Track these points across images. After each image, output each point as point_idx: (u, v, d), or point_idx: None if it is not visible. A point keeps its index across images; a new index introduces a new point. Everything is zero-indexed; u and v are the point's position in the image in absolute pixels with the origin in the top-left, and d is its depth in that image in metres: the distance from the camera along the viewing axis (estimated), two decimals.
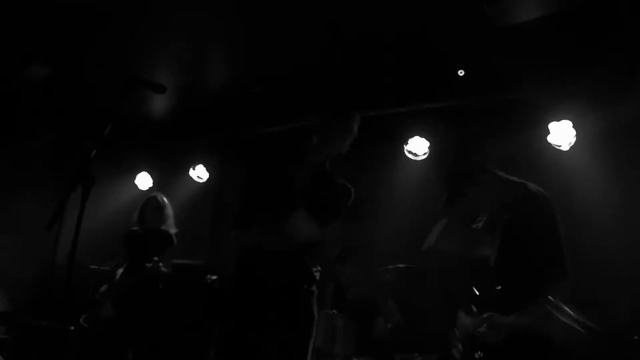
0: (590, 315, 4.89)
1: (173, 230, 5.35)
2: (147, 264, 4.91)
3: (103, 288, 5.29)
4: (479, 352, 2.93)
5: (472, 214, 3.26)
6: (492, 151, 5.57)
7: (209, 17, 4.72)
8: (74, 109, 6.46)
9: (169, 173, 7.01)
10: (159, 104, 6.43)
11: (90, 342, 5.29)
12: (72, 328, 5.59)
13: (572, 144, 5.46)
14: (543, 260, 2.90)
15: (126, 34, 5.07)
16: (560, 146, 5.50)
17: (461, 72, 5.25)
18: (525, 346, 2.81)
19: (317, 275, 3.30)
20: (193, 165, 7.10)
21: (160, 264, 4.93)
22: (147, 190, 7.01)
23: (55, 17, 4.84)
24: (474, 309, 3.12)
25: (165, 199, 5.48)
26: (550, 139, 5.50)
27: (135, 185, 7.38)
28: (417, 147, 5.97)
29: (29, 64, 5.74)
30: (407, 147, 5.99)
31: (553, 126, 5.47)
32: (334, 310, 4.75)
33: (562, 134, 5.46)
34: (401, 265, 4.88)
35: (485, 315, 2.96)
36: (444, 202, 3.18)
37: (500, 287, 3.04)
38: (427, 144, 5.94)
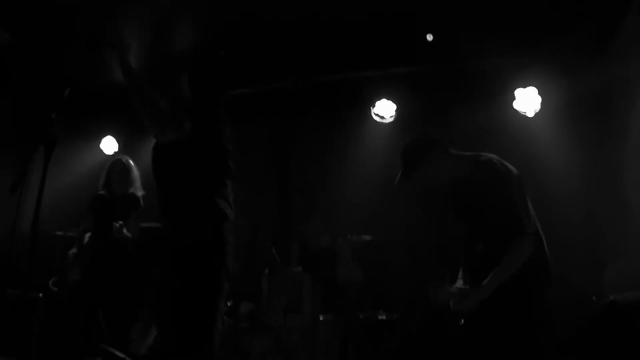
0: (556, 279, 5.06)
1: (140, 193, 5.29)
2: (115, 227, 4.88)
3: (70, 253, 5.26)
4: (462, 320, 3.03)
5: (427, 188, 3.36)
6: (451, 125, 5.66)
7: None
8: (36, 72, 6.31)
9: (135, 136, 6.91)
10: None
11: (59, 306, 5.28)
12: (40, 295, 5.56)
13: (537, 110, 5.54)
14: (500, 220, 3.00)
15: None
16: (525, 112, 5.57)
17: (430, 37, 5.26)
18: (500, 309, 2.93)
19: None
20: None
21: (124, 228, 4.90)
22: (112, 154, 6.91)
23: None
24: (448, 279, 3.26)
25: (130, 161, 5.41)
26: (516, 105, 5.57)
27: (101, 150, 7.28)
28: (384, 110, 6.01)
29: None
30: (374, 110, 6.02)
31: (519, 92, 5.54)
32: (300, 268, 4.81)
33: (527, 100, 5.53)
34: (366, 238, 4.94)
35: (454, 289, 3.11)
36: (399, 177, 3.25)
37: (466, 257, 3.21)
38: (394, 107, 5.97)
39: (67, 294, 5.09)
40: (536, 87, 5.49)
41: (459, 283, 3.25)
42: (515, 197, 3.03)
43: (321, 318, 4.70)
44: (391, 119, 6.02)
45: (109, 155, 6.99)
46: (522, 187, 3.12)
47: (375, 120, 6.08)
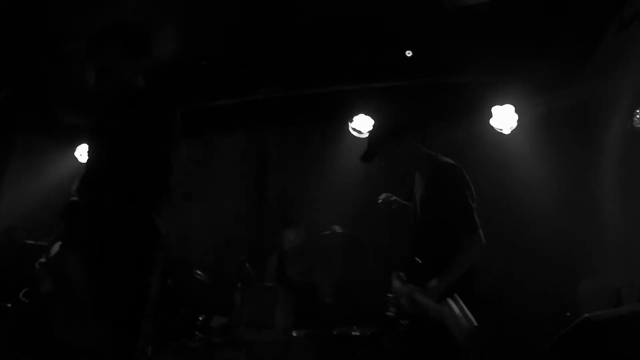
0: (527, 295, 5.08)
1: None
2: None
3: (41, 262, 5.16)
4: (405, 320, 3.07)
5: (387, 171, 3.41)
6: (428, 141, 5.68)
7: None
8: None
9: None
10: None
11: (30, 317, 5.17)
12: (9, 305, 5.44)
13: (514, 128, 5.58)
14: (452, 218, 3.06)
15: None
16: (501, 130, 5.60)
17: (409, 53, 5.28)
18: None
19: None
20: None
21: None
22: None
23: None
24: (403, 275, 3.25)
25: None
26: (493, 122, 5.60)
27: (75, 158, 7.17)
28: (362, 124, 6.01)
29: None
30: (351, 125, 6.02)
31: (496, 110, 5.57)
32: (275, 284, 4.76)
33: (504, 117, 5.57)
34: (338, 230, 4.91)
35: (406, 288, 3.10)
36: (362, 155, 3.33)
37: (418, 257, 3.20)
38: (372, 121, 5.97)
39: (39, 304, 4.99)
40: (513, 105, 5.53)
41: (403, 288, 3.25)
42: (468, 195, 3.10)
43: (294, 334, 4.64)
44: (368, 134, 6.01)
45: (83, 162, 6.90)
46: (473, 195, 3.18)
47: (353, 135, 6.07)
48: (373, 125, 3.39)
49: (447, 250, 3.00)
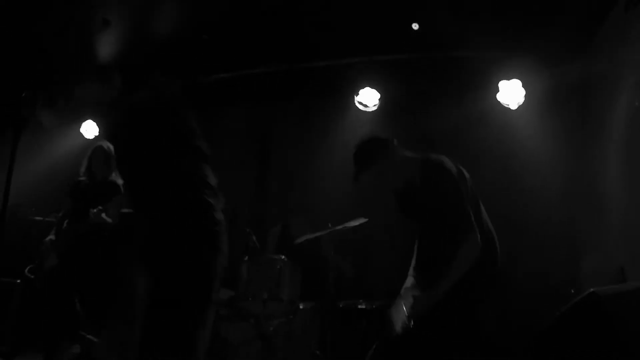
0: (530, 273, 5.11)
1: (120, 181, 5.24)
2: (91, 214, 4.83)
3: (48, 238, 5.20)
4: (411, 321, 3.03)
5: (378, 189, 3.41)
6: (434, 116, 5.67)
7: None
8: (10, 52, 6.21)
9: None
10: (106, 49, 6.22)
11: (35, 292, 5.22)
12: (18, 281, 5.50)
13: (521, 103, 5.54)
14: (448, 221, 3.04)
15: None
16: (508, 105, 5.57)
17: (415, 26, 5.23)
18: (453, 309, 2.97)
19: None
20: None
21: (103, 214, 4.85)
22: (93, 139, 6.82)
23: None
24: (413, 272, 3.30)
25: (112, 147, 5.35)
26: (500, 97, 5.57)
27: (81, 134, 7.18)
28: (368, 98, 5.98)
29: None
30: (357, 98, 5.99)
31: (503, 85, 5.53)
32: (281, 256, 4.78)
33: (511, 92, 5.53)
34: (351, 224, 4.91)
35: (408, 287, 3.17)
36: (353, 176, 3.29)
37: (417, 255, 3.28)
38: (378, 95, 5.94)
39: (44, 280, 5.04)
40: (520, 80, 5.49)
41: (409, 281, 3.30)
42: (463, 198, 3.06)
43: (301, 306, 4.68)
44: (374, 108, 5.99)
45: (89, 139, 6.91)
46: (471, 189, 3.18)
47: (359, 109, 6.04)
48: (357, 148, 3.32)
49: (445, 252, 3.00)
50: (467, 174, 3.22)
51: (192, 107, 2.85)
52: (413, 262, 3.38)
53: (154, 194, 2.67)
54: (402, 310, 3.12)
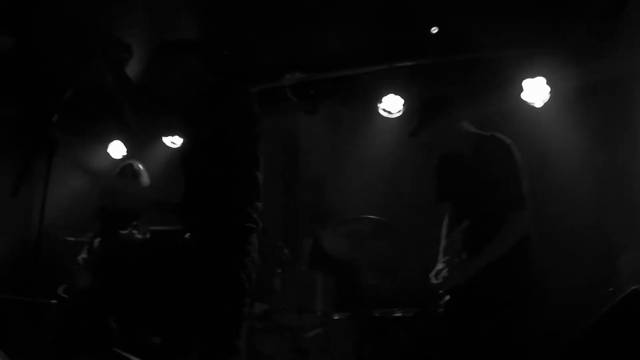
0: (568, 273, 5.02)
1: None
2: (122, 232, 4.88)
3: (79, 258, 5.26)
4: (447, 296, 3.04)
5: (434, 148, 3.42)
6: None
7: None
8: (37, 77, 6.33)
9: (143, 140, 6.89)
10: (129, 70, 6.30)
11: (69, 312, 5.27)
12: (54, 301, 5.56)
13: (546, 101, 5.47)
14: (502, 193, 3.02)
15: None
16: (533, 103, 5.51)
17: (434, 30, 5.20)
18: (486, 289, 2.95)
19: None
20: None
21: (134, 231, 4.89)
22: (121, 158, 6.90)
23: None
24: (442, 255, 3.27)
25: (140, 166, 5.40)
26: (524, 96, 5.50)
27: (109, 154, 7.26)
28: (392, 104, 5.94)
29: None
30: (381, 106, 5.96)
31: (527, 83, 5.47)
32: (313, 267, 4.77)
33: (535, 91, 5.46)
34: (373, 217, 4.89)
35: (443, 261, 3.13)
36: (411, 130, 3.29)
37: (460, 231, 3.17)
38: (402, 101, 5.91)
39: (78, 300, 5.09)
40: (544, 77, 5.42)
41: (439, 266, 3.26)
42: (520, 173, 3.06)
43: (336, 317, 4.65)
44: (399, 114, 5.95)
45: (117, 159, 6.98)
46: (524, 169, 3.15)
47: (383, 116, 6.01)
48: (424, 101, 3.35)
49: (488, 229, 2.97)
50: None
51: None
52: (443, 247, 3.33)
53: (208, 205, 2.78)
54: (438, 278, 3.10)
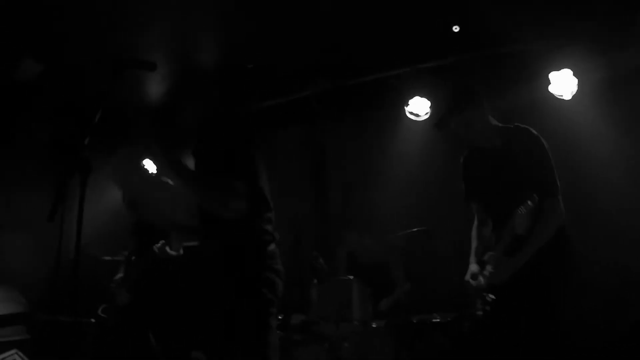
0: (611, 267, 4.92)
1: None
2: (155, 249, 4.92)
3: (117, 277, 5.32)
4: (489, 295, 2.98)
5: (461, 140, 3.33)
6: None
7: None
8: (67, 100, 6.45)
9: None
10: (154, 88, 6.41)
11: (109, 332, 5.33)
12: (93, 320, 5.63)
13: (574, 92, 5.39)
14: (536, 182, 2.99)
15: (114, 19, 5.03)
16: (562, 96, 5.42)
17: (456, 28, 5.17)
18: (531, 281, 2.90)
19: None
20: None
21: (167, 247, 4.93)
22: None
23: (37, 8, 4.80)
24: (478, 256, 3.23)
25: (170, 182, 5.44)
26: (552, 89, 5.43)
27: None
28: (419, 107, 5.89)
29: (18, 64, 5.74)
30: (408, 109, 5.92)
31: (553, 76, 5.39)
32: (349, 276, 4.74)
33: (563, 83, 5.38)
34: (411, 231, 4.85)
35: (486, 257, 3.07)
36: (437, 121, 3.30)
37: (495, 228, 3.16)
38: (428, 103, 5.87)
39: (117, 318, 5.14)
40: (571, 69, 5.34)
41: (473, 267, 3.21)
42: (551, 162, 3.06)
43: (374, 325, 4.60)
44: (426, 116, 5.89)
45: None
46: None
47: (411, 119, 5.96)
48: (450, 92, 3.33)
49: (524, 222, 2.91)
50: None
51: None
52: (474, 249, 3.29)
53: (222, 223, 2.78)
54: (479, 281, 3.05)
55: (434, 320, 4.57)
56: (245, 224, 2.76)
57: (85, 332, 5.63)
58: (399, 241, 4.77)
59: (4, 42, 5.41)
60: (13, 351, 5.32)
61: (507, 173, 3.13)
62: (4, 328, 6.02)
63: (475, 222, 3.46)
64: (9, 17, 4.94)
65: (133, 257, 5.31)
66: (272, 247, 2.82)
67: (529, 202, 2.85)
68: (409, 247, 4.93)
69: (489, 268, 3.00)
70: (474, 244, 3.36)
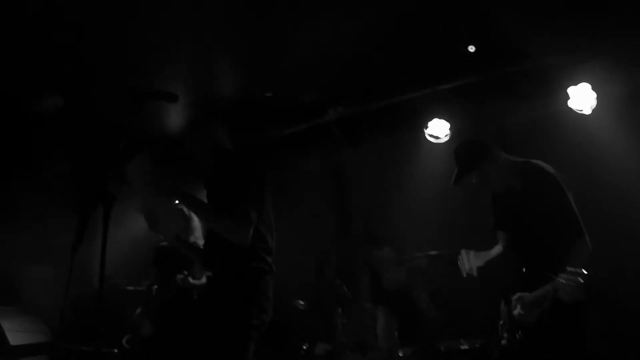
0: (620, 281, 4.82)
1: (201, 242, 5.32)
2: (178, 279, 4.93)
3: (140, 308, 5.32)
4: (519, 333, 3.01)
5: (481, 191, 3.39)
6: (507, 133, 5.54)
7: (216, 23, 4.72)
8: (89, 132, 6.53)
9: (193, 186, 7.00)
10: (174, 118, 6.46)
11: None
12: (116, 351, 5.63)
13: (594, 107, 5.33)
14: (558, 225, 3.04)
15: (136, 52, 5.13)
16: (582, 110, 5.37)
17: (472, 48, 5.16)
18: (560, 319, 2.89)
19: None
20: None
21: (189, 277, 4.93)
22: (174, 205, 7.00)
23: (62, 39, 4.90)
24: (509, 295, 3.18)
25: (192, 212, 5.46)
26: (571, 103, 5.38)
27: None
28: (438, 129, 5.87)
29: (40, 98, 5.85)
30: (427, 131, 5.90)
31: (572, 91, 5.35)
32: (374, 303, 4.69)
33: (582, 97, 5.34)
34: (433, 253, 4.80)
35: (516, 297, 3.05)
36: (453, 179, 3.31)
37: (524, 267, 3.16)
38: (448, 125, 5.84)
39: (141, 349, 5.14)
40: (589, 83, 5.29)
41: (502, 306, 3.24)
42: (570, 201, 3.09)
43: (400, 353, 4.53)
44: (447, 138, 5.87)
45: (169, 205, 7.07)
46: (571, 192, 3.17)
47: (431, 142, 5.94)
48: (459, 148, 3.39)
49: (555, 257, 2.94)
50: (565, 177, 3.19)
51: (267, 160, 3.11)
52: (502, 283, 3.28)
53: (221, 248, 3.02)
54: (507, 320, 3.07)
55: (461, 347, 4.49)
56: (247, 251, 2.94)
57: None
58: (420, 263, 4.72)
59: (27, 75, 5.51)
60: None
61: (531, 215, 3.18)
62: (29, 357, 6.09)
63: (501, 248, 3.48)
64: (31, 50, 5.03)
65: (155, 287, 5.31)
66: (268, 277, 3.01)
67: (569, 271, 2.86)
68: (430, 269, 4.87)
69: (518, 309, 3.00)
70: (498, 273, 3.35)
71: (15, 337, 6.03)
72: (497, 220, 3.47)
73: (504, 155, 3.31)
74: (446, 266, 4.79)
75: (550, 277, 2.84)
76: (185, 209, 5.45)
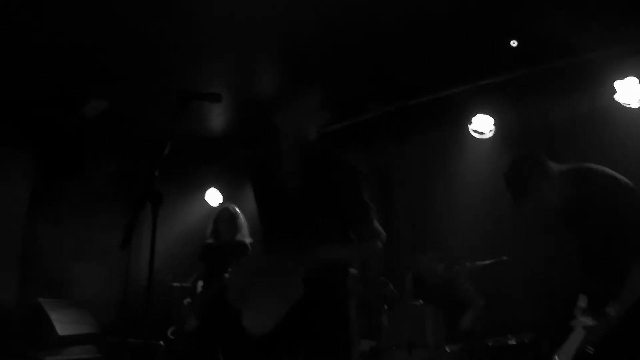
0: None
1: (248, 240, 5.39)
2: (225, 275, 5.00)
3: (185, 302, 5.44)
4: (591, 348, 2.88)
5: (542, 212, 3.24)
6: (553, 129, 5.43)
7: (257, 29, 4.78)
8: (134, 133, 6.69)
9: (238, 185, 7.10)
10: (218, 118, 6.57)
11: (178, 353, 5.45)
12: (161, 343, 5.78)
13: None
14: (625, 234, 2.86)
15: (179, 55, 5.24)
16: (629, 104, 5.25)
17: (514, 43, 5.09)
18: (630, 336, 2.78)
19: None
20: None
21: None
22: (218, 205, 7.14)
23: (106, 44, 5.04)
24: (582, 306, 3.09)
25: (237, 209, 5.54)
26: (618, 97, 5.27)
27: (206, 202, 7.51)
28: (482, 125, 5.79)
29: (84, 103, 6.01)
30: (471, 127, 5.83)
31: (618, 84, 5.24)
32: (420, 300, 4.67)
33: (629, 91, 5.21)
34: (483, 262, 4.74)
35: (584, 313, 2.97)
36: (514, 202, 3.19)
37: (593, 281, 3.03)
38: (492, 120, 5.77)
39: (186, 342, 5.25)
40: (636, 77, 5.17)
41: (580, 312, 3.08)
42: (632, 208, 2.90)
43: (447, 350, 4.46)
44: (491, 134, 5.78)
45: (214, 206, 7.20)
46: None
47: (475, 137, 5.85)
48: (508, 173, 3.23)
49: (616, 271, 2.84)
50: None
51: None
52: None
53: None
54: (574, 345, 2.96)
55: (509, 342, 4.42)
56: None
57: (154, 353, 5.80)
58: (475, 271, 4.67)
59: (71, 80, 5.66)
60: None
61: (589, 221, 3.03)
62: (76, 347, 6.31)
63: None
64: (77, 53, 5.17)
65: (200, 282, 5.41)
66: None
67: None
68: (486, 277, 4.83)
69: (581, 334, 2.93)
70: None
71: (64, 327, 6.27)
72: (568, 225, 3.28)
73: (554, 166, 3.15)
74: (503, 274, 4.74)
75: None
76: (230, 207, 5.54)
